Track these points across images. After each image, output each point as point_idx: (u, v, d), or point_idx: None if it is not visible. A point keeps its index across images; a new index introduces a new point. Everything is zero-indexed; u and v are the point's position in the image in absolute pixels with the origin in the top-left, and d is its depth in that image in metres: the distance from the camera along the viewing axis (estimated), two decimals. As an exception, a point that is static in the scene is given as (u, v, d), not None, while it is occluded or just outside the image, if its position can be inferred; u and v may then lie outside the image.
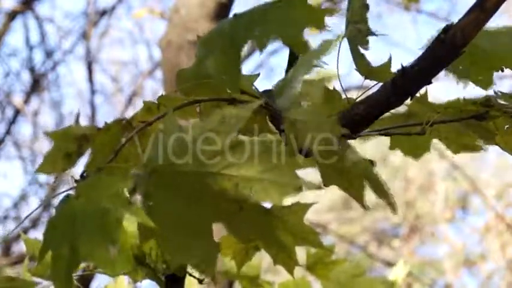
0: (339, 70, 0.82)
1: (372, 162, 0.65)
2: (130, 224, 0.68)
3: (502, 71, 0.84)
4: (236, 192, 0.62)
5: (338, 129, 0.63)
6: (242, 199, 0.62)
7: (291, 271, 0.74)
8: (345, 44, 0.82)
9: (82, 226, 0.62)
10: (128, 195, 0.62)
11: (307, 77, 0.68)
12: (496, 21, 0.83)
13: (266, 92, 0.74)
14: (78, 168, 0.73)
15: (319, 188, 0.61)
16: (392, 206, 0.64)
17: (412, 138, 0.87)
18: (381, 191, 0.64)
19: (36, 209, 0.76)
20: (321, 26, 0.74)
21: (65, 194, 0.65)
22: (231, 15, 0.79)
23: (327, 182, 0.65)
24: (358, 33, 0.80)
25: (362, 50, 0.81)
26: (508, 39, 0.83)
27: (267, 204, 0.64)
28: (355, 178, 0.65)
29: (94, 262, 0.63)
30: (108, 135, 0.76)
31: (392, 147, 0.89)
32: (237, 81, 0.76)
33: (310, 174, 0.64)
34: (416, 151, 0.89)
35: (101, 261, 0.61)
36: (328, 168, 0.64)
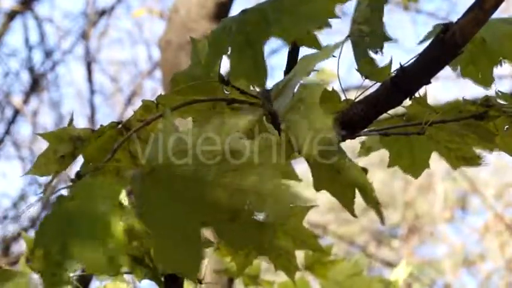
0: (339, 70, 0.82)
1: (364, 170, 0.64)
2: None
3: (501, 65, 0.84)
4: (230, 202, 0.61)
5: (335, 132, 0.62)
6: (235, 209, 0.62)
7: (292, 276, 0.73)
8: (346, 44, 0.82)
9: (74, 226, 0.62)
10: (124, 196, 0.62)
11: (308, 78, 0.67)
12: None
13: (265, 92, 0.73)
14: (76, 168, 0.73)
15: (313, 205, 0.60)
16: (381, 216, 0.64)
17: (411, 154, 0.87)
18: (371, 200, 0.63)
19: (32, 205, 0.75)
20: (332, 15, 0.73)
21: (59, 193, 0.65)
22: (230, 15, 0.78)
23: (319, 186, 0.65)
24: (367, 36, 0.80)
25: (373, 54, 0.80)
26: (507, 30, 0.83)
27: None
28: (347, 185, 0.64)
29: (84, 263, 0.62)
30: (102, 138, 0.76)
31: (391, 164, 0.88)
32: (264, 79, 0.74)
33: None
34: (415, 168, 0.89)
35: (90, 263, 0.61)
36: (322, 172, 0.64)
